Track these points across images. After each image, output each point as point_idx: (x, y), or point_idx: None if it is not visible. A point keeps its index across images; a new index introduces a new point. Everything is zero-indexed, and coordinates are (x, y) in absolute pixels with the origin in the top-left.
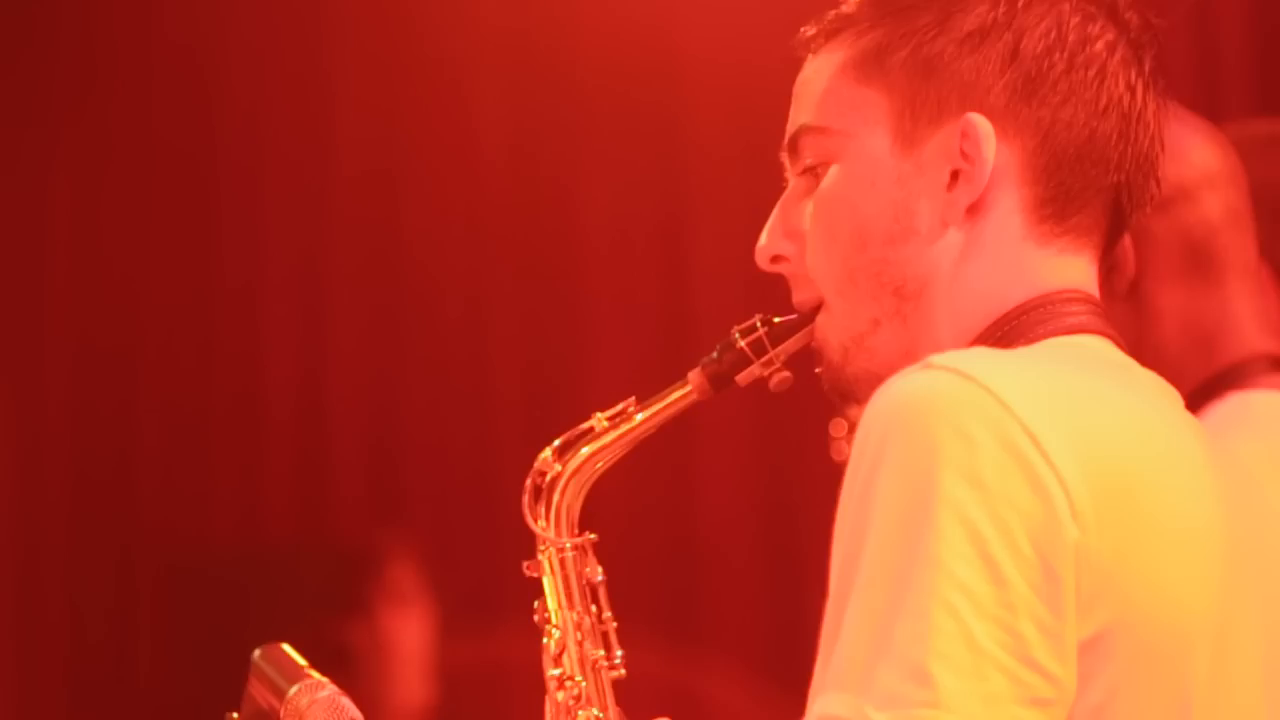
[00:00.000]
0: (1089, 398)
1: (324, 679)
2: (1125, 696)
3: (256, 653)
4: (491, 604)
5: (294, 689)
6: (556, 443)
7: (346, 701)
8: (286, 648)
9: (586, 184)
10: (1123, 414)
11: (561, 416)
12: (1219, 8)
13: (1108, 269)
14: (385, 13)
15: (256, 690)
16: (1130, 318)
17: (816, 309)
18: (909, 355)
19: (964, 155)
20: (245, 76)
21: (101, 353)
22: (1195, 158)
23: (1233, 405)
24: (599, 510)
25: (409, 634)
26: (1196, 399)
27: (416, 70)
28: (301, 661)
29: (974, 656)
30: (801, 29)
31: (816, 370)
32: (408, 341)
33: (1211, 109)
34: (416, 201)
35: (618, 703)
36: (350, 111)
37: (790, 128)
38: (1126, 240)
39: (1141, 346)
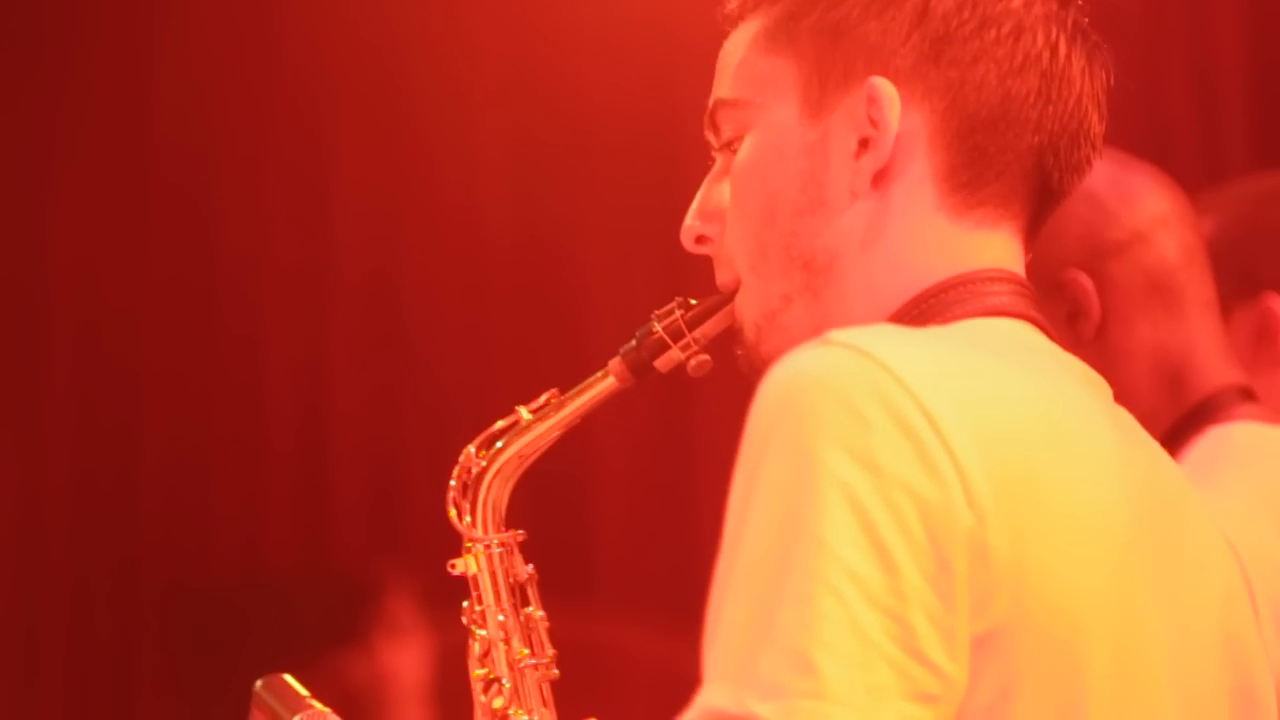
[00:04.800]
0: (995, 382)
1: (326, 709)
2: (1017, 696)
3: (258, 683)
4: None
5: (296, 719)
6: (480, 438)
7: None
8: (288, 678)
9: (587, 250)
10: (1030, 401)
11: (560, 452)
12: (1218, 59)
13: (1072, 315)
14: (384, 81)
15: None
16: (1098, 363)
17: (738, 289)
18: (822, 332)
19: (871, 121)
20: (246, 125)
21: (103, 382)
22: (1147, 201)
23: (1213, 440)
24: (601, 490)
25: (408, 665)
26: (1174, 436)
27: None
28: (303, 692)
29: (860, 646)
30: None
31: (737, 352)
32: (409, 373)
33: (1211, 160)
34: (417, 227)
35: (551, 703)
36: (352, 146)
37: (709, 103)
38: (1090, 286)
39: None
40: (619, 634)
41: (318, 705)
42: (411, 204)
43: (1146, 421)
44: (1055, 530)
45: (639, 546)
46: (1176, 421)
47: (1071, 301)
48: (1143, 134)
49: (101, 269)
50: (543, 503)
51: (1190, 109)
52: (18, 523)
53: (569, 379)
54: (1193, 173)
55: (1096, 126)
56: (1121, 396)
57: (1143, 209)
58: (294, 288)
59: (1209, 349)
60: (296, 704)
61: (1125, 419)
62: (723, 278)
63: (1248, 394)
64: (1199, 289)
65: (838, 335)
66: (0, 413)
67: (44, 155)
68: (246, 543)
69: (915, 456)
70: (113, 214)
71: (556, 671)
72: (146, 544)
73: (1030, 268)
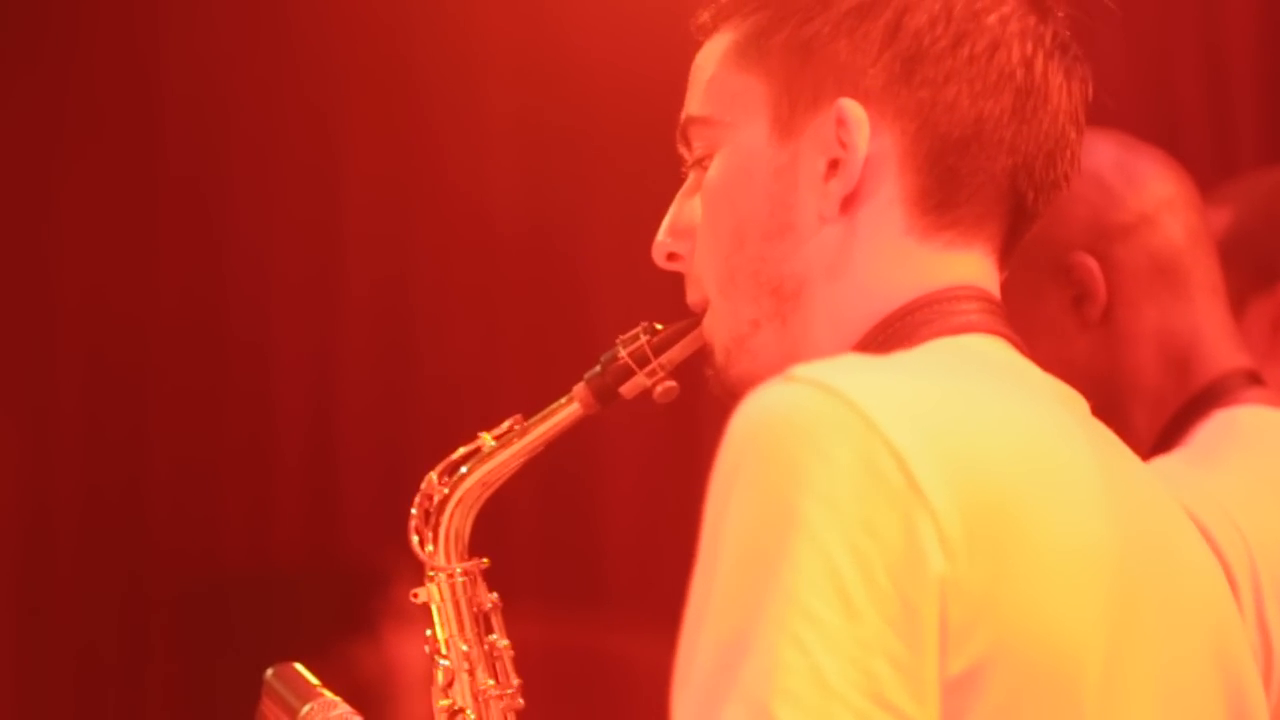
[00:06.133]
0: (966, 408)
1: (336, 698)
2: None
3: (269, 672)
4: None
5: (306, 708)
6: (442, 465)
7: None
8: (299, 667)
9: (598, 244)
10: (1004, 425)
11: (570, 463)
12: (1228, 46)
13: (1078, 299)
14: (393, 70)
15: (269, 709)
16: (1105, 346)
17: (707, 308)
18: (790, 358)
19: (840, 143)
20: (256, 118)
21: (112, 375)
22: (1153, 185)
23: (1220, 423)
24: (611, 502)
25: (416, 656)
26: (1181, 420)
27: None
28: (314, 681)
29: (822, 696)
30: (699, 13)
31: (707, 373)
32: (418, 362)
33: (1221, 148)
34: (427, 221)
35: None
36: (362, 138)
37: (681, 118)
38: (1096, 269)
39: (1118, 374)
40: (628, 644)
41: (328, 694)
42: (421, 198)
43: (1154, 405)
44: (1037, 560)
45: (649, 558)
46: (1183, 405)
47: (1078, 284)
48: (1152, 122)
49: (109, 271)
50: (553, 514)
51: (1200, 97)
52: (27, 528)
53: (577, 375)
54: (1202, 161)
55: (1075, 142)
56: (1128, 380)
57: (1149, 192)
58: (303, 281)
59: (1215, 333)
60: (307, 693)
61: (1102, 433)
62: (693, 296)
63: (1254, 378)
64: (1205, 273)
65: (801, 371)
66: (9, 420)
67: (49, 156)
68: (257, 534)
69: (881, 498)
70: (121, 214)
71: (522, 701)
72: (156, 533)
73: (1035, 250)
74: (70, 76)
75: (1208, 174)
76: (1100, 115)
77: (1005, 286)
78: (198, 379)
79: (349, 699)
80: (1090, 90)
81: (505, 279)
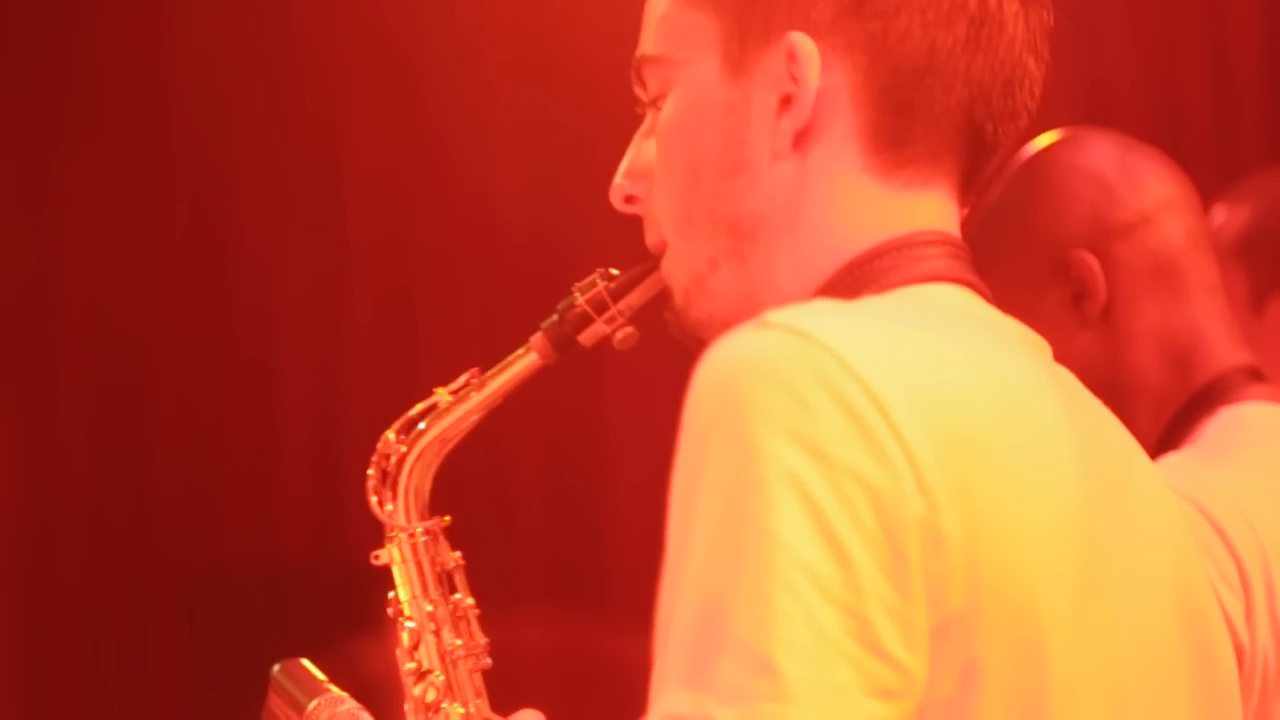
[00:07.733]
0: (940, 358)
1: (343, 694)
2: (979, 684)
3: (276, 668)
4: (504, 621)
5: (313, 704)
6: (399, 422)
7: (366, 716)
8: (306, 663)
9: (603, 246)
10: (977, 376)
11: (573, 461)
12: (1233, 46)
13: (1077, 296)
14: (398, 69)
15: (276, 705)
16: (1105, 344)
17: (665, 251)
18: (751, 298)
19: (792, 78)
20: (261, 106)
21: (116, 383)
22: (1153, 185)
23: (1226, 420)
24: (616, 500)
25: None
26: (1184, 418)
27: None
28: (321, 676)
29: (819, 643)
30: None
31: (666, 316)
32: (423, 365)
33: (1226, 148)
34: (432, 224)
35: (484, 693)
36: (366, 140)
37: (635, 58)
38: (1096, 267)
39: (1119, 372)
40: (633, 644)
41: (335, 689)
42: (427, 202)
43: (1157, 403)
44: (1010, 512)
45: (653, 557)
46: (1186, 402)
47: (1077, 282)
48: (1157, 122)
49: (113, 279)
50: (559, 513)
51: (1205, 98)
52: (32, 538)
53: (580, 377)
54: (1207, 162)
55: (1034, 71)
56: (1129, 379)
57: (1149, 192)
58: (308, 286)
59: (1216, 330)
60: (314, 689)
61: (1068, 380)
62: (651, 238)
63: (1256, 374)
64: (1204, 273)
65: (776, 317)
66: (13, 430)
67: (52, 162)
68: (263, 531)
69: (863, 442)
70: (124, 220)
71: (489, 660)
72: (161, 530)
73: (1035, 247)
74: (74, 81)
75: (1212, 175)
76: (1105, 116)
77: (1004, 283)
78: (202, 385)
79: (355, 695)
80: (1050, 18)
81: (511, 282)
